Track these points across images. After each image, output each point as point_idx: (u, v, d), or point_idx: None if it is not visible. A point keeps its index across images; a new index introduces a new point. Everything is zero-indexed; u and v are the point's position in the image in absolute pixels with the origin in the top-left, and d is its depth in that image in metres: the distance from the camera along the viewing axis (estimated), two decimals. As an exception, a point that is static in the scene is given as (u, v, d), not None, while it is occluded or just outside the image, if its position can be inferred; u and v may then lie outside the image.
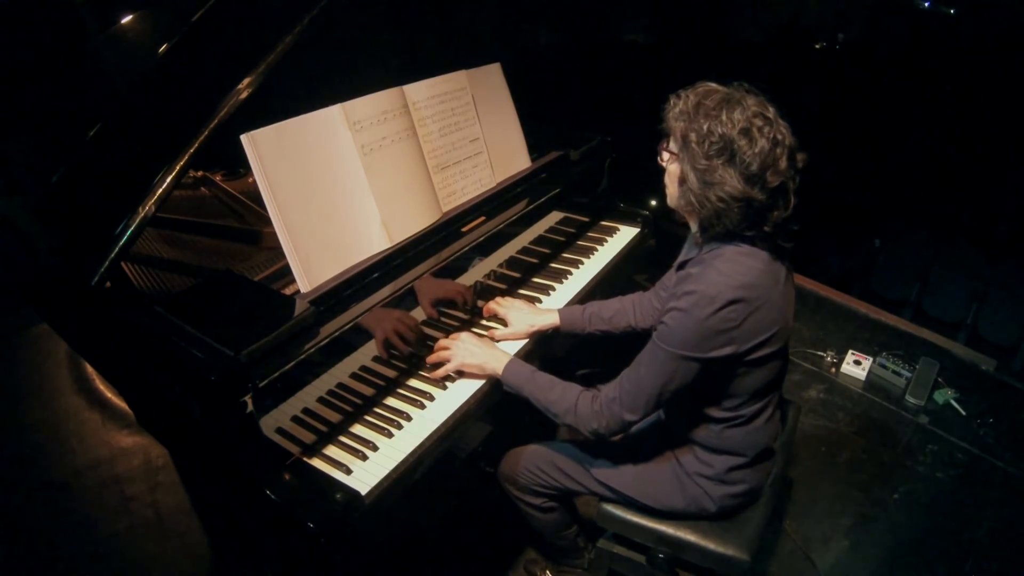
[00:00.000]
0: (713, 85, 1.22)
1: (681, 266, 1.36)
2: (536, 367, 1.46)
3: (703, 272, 1.21)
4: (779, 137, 1.15)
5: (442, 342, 1.55)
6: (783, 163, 1.15)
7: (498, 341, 1.64)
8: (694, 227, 1.29)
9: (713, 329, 1.18)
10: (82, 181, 1.57)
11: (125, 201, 1.30)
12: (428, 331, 1.59)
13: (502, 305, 1.69)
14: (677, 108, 1.23)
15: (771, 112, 1.17)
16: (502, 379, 1.45)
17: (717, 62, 3.99)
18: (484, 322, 1.73)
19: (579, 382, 1.41)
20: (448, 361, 1.50)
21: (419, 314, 1.55)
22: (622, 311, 1.67)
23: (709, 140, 1.15)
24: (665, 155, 1.28)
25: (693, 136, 1.18)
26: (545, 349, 1.70)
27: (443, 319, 1.63)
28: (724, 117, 1.15)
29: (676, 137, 1.23)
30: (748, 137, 1.14)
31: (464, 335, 1.54)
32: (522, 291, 1.88)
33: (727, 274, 1.18)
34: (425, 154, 1.60)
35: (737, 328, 1.18)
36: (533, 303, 1.81)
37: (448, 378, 1.52)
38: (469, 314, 1.72)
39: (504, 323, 1.67)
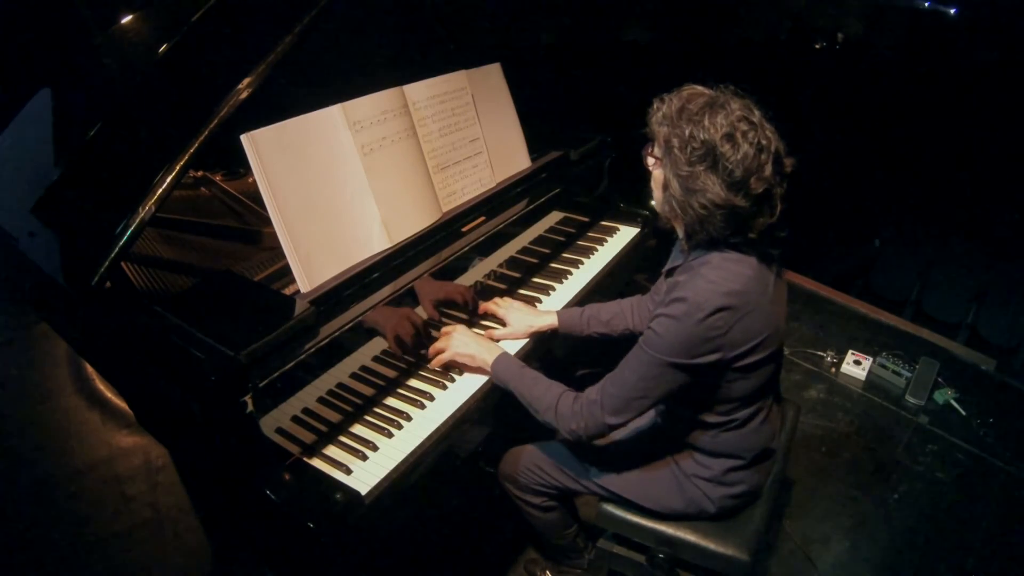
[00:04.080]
0: (698, 88, 1.20)
1: (670, 272, 1.35)
2: (537, 368, 1.46)
3: (690, 280, 1.20)
4: (764, 142, 1.13)
5: (440, 332, 1.56)
6: (768, 169, 1.13)
7: (497, 341, 1.64)
8: (680, 233, 1.28)
9: (700, 336, 1.17)
10: (82, 181, 1.57)
11: (125, 201, 1.30)
12: (428, 331, 1.59)
13: (500, 306, 1.69)
14: (660, 112, 1.21)
15: (756, 116, 1.15)
16: (491, 371, 1.45)
17: (717, 62, 3.99)
18: (484, 322, 1.73)
19: (578, 383, 1.40)
20: (443, 351, 1.51)
21: (419, 314, 1.55)
22: (620, 314, 1.66)
23: (691, 146, 1.13)
24: (650, 160, 1.27)
25: (676, 142, 1.16)
26: (545, 350, 1.70)
27: (443, 320, 1.63)
28: (707, 122, 1.12)
29: (659, 142, 1.21)
30: (731, 142, 1.11)
31: (460, 326, 1.56)
32: (522, 291, 1.88)
33: (715, 281, 1.17)
34: (425, 154, 1.60)
35: (723, 336, 1.17)
36: (533, 303, 1.81)
37: (448, 378, 1.52)
38: (469, 314, 1.72)
39: (503, 323, 1.67)
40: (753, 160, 1.11)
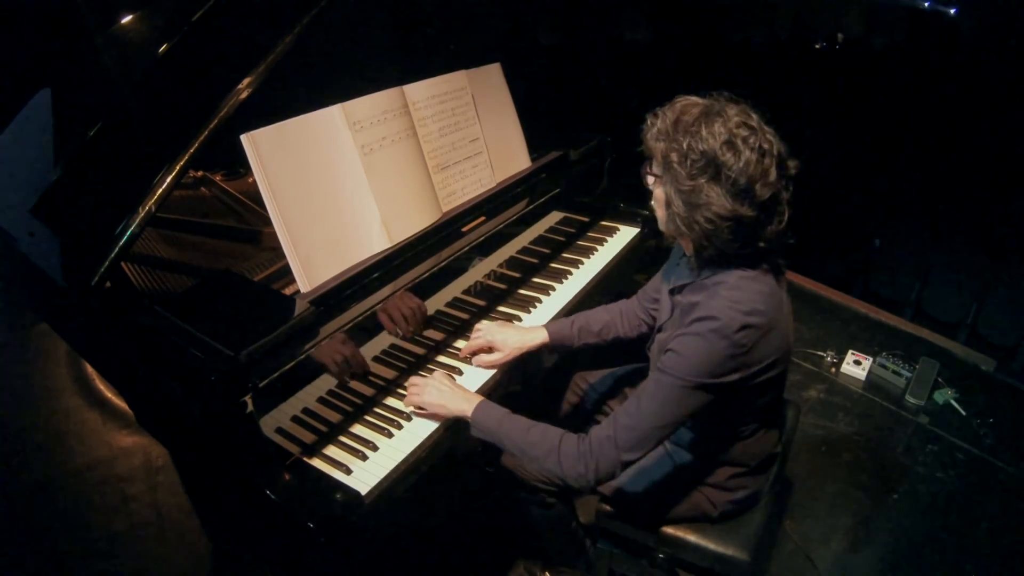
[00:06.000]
0: (692, 98, 1.17)
1: (677, 290, 1.29)
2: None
3: (709, 299, 1.16)
4: (765, 146, 1.09)
5: (415, 379, 1.47)
6: (772, 173, 1.09)
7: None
8: (688, 250, 1.23)
9: (724, 355, 1.13)
10: (82, 181, 1.57)
11: (125, 201, 1.30)
12: (429, 331, 1.59)
13: (483, 333, 1.58)
14: (655, 128, 1.16)
15: (755, 120, 1.11)
16: (471, 420, 1.33)
17: (717, 62, 3.99)
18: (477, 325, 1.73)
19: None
20: (415, 396, 1.41)
21: (419, 315, 1.55)
22: (611, 323, 1.62)
23: (691, 158, 1.09)
24: (649, 178, 1.22)
25: (674, 156, 1.11)
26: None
27: (442, 320, 1.63)
28: (704, 132, 1.08)
29: (657, 159, 1.18)
30: (732, 150, 1.07)
31: (437, 373, 1.45)
32: (522, 291, 1.88)
33: (736, 300, 1.13)
34: (425, 154, 1.60)
35: (746, 354, 1.14)
36: (533, 303, 1.81)
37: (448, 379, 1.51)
38: (470, 314, 1.72)
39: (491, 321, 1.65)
40: (756, 166, 1.07)
